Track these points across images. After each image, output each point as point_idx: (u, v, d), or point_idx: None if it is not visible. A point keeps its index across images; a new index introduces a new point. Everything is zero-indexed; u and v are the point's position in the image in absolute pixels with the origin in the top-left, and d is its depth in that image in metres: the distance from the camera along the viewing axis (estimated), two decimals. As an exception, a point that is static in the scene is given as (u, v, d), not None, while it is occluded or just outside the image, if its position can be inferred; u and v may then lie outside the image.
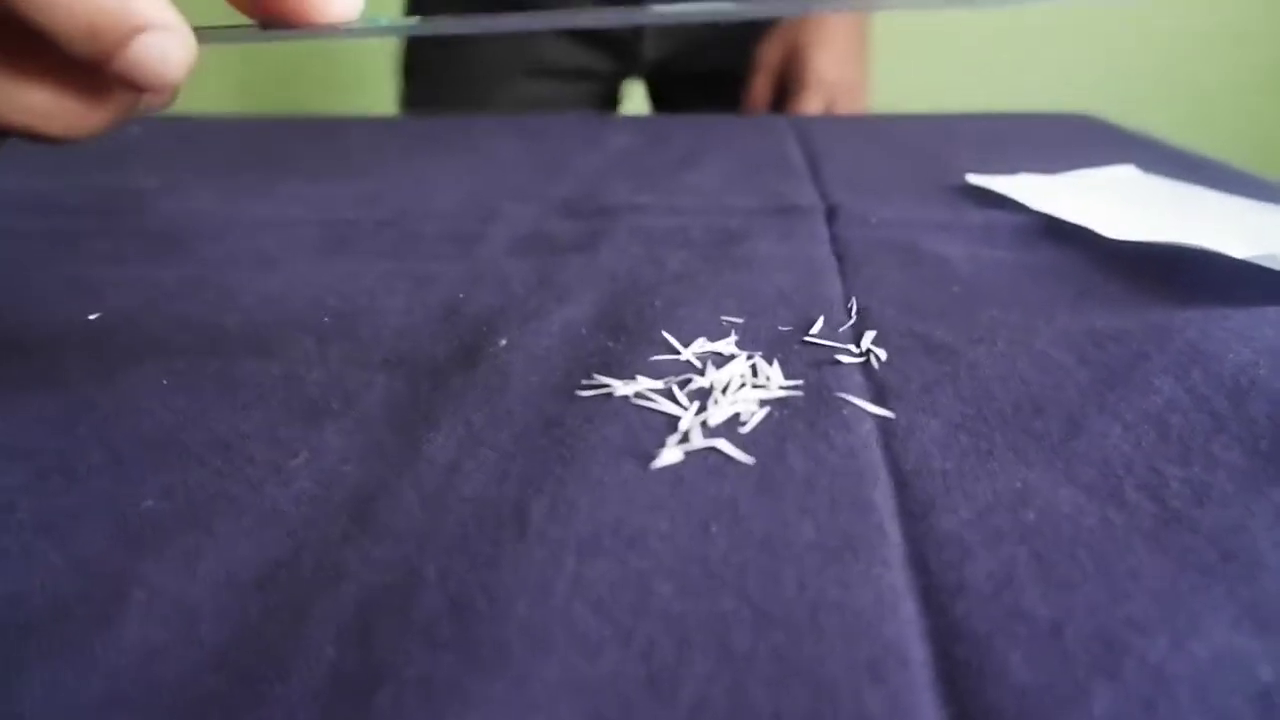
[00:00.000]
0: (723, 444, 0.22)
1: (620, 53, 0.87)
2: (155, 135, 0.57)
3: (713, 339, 0.28)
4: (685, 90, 0.89)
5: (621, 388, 0.25)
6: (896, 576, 0.18)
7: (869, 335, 0.28)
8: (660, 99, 0.93)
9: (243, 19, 0.22)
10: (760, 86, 0.83)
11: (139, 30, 0.18)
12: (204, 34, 0.20)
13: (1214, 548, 0.18)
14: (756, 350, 0.27)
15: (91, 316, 0.31)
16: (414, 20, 0.23)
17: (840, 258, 0.37)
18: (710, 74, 0.88)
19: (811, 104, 0.80)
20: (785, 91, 0.83)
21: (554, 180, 0.51)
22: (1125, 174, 0.50)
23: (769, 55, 0.83)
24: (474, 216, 0.43)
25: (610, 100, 0.93)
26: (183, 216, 0.42)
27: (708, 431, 0.23)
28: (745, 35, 0.85)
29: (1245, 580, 0.17)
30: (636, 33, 0.84)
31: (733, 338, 0.28)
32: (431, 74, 0.88)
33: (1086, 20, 1.62)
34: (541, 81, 0.86)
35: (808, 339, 0.28)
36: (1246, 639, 0.16)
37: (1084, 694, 0.15)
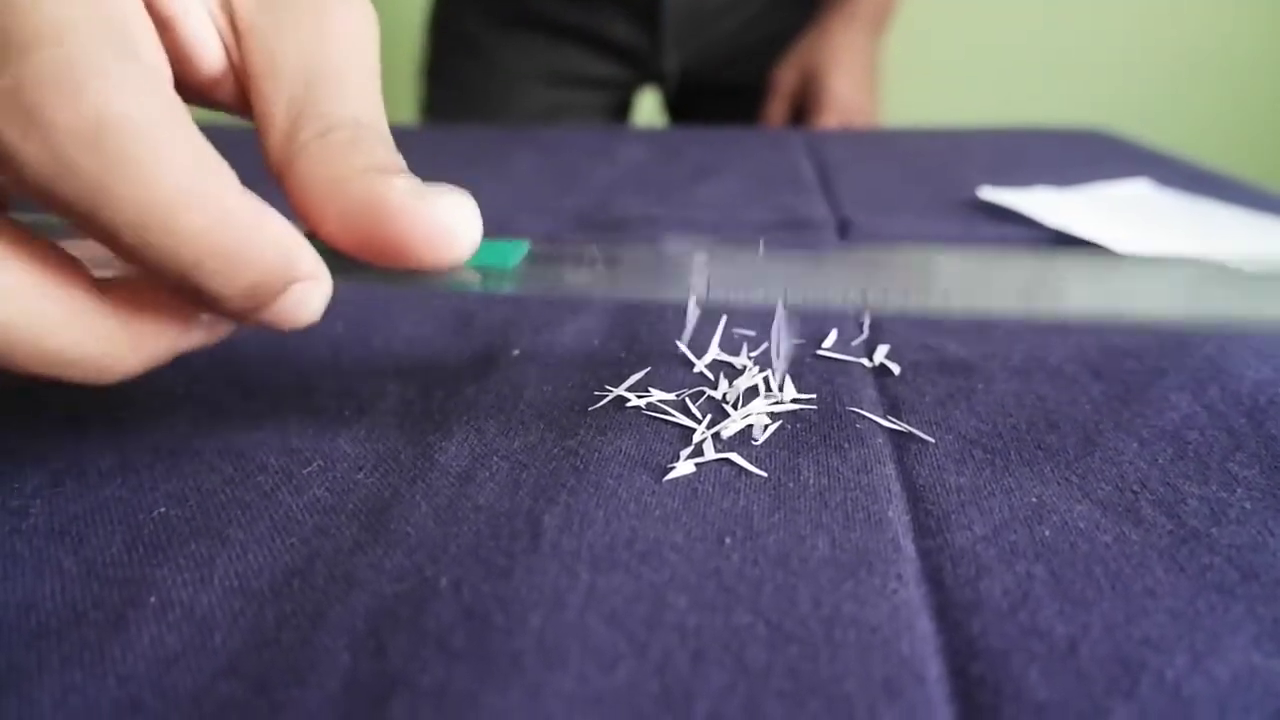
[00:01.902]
0: (736, 457, 0.22)
1: (638, 64, 0.87)
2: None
3: (726, 352, 0.28)
4: (701, 101, 0.90)
5: (634, 399, 0.25)
6: (912, 592, 0.18)
7: (882, 349, 0.28)
8: (676, 109, 0.93)
9: None
10: (776, 109, 0.84)
11: (295, 282, 0.18)
12: (338, 277, 0.19)
13: (1233, 566, 0.18)
14: (769, 363, 0.27)
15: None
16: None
17: (853, 271, 0.37)
18: (726, 86, 0.88)
19: (827, 126, 0.80)
20: (800, 114, 0.84)
21: (567, 192, 0.51)
22: (1139, 189, 0.50)
23: (785, 78, 0.83)
24: (489, 228, 0.43)
25: (624, 108, 0.94)
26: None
27: (721, 444, 0.23)
28: (761, 48, 0.86)
29: (1265, 600, 0.17)
30: (654, 44, 0.85)
31: (745, 351, 0.28)
32: (451, 80, 0.89)
33: (1100, 35, 1.62)
34: (559, 90, 0.87)
35: (821, 352, 0.28)
36: (1266, 659, 0.16)
37: (1101, 712, 0.15)
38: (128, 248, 0.16)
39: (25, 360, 0.17)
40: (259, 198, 0.17)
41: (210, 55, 0.20)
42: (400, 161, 0.20)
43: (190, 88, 0.21)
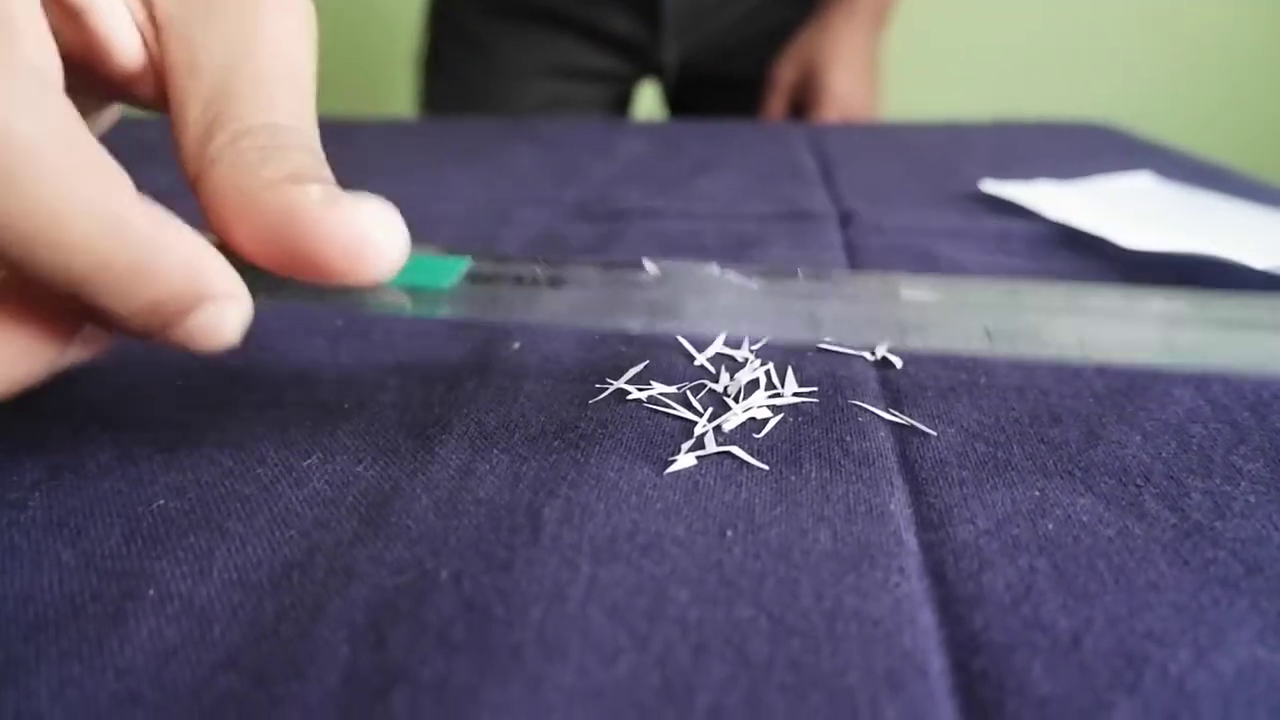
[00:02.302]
0: (738, 450, 0.22)
1: (638, 57, 0.87)
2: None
3: (726, 344, 0.28)
4: (701, 95, 0.90)
5: (635, 392, 0.25)
6: (914, 586, 0.17)
7: (884, 342, 0.28)
8: (676, 102, 0.93)
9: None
10: (776, 105, 0.84)
11: (205, 301, 0.17)
12: (259, 296, 0.18)
13: (1237, 560, 0.18)
14: (771, 356, 0.27)
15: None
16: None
17: (854, 264, 0.37)
18: (726, 79, 0.88)
19: (827, 122, 0.80)
20: (800, 109, 0.84)
21: (567, 184, 0.51)
22: (1142, 182, 0.50)
23: (784, 74, 0.83)
24: (488, 220, 0.43)
25: (624, 101, 0.93)
26: (199, 216, 0.42)
27: (722, 437, 0.23)
28: (761, 41, 0.85)
29: (1269, 594, 0.17)
30: (654, 37, 0.85)
31: (746, 343, 0.28)
32: (450, 72, 0.88)
33: (1102, 28, 1.62)
34: (558, 82, 0.87)
35: (822, 345, 0.28)
36: (1271, 653, 0.16)
37: (1104, 706, 0.15)
38: (12, 261, 0.15)
39: None
40: (162, 209, 0.16)
41: (127, 49, 0.19)
42: (323, 170, 0.18)
43: (106, 83, 0.20)
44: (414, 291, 0.19)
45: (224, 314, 0.17)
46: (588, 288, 0.20)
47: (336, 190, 0.17)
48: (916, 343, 0.20)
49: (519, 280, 0.20)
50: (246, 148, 0.18)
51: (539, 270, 0.20)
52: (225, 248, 0.18)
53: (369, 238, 0.17)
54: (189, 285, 0.16)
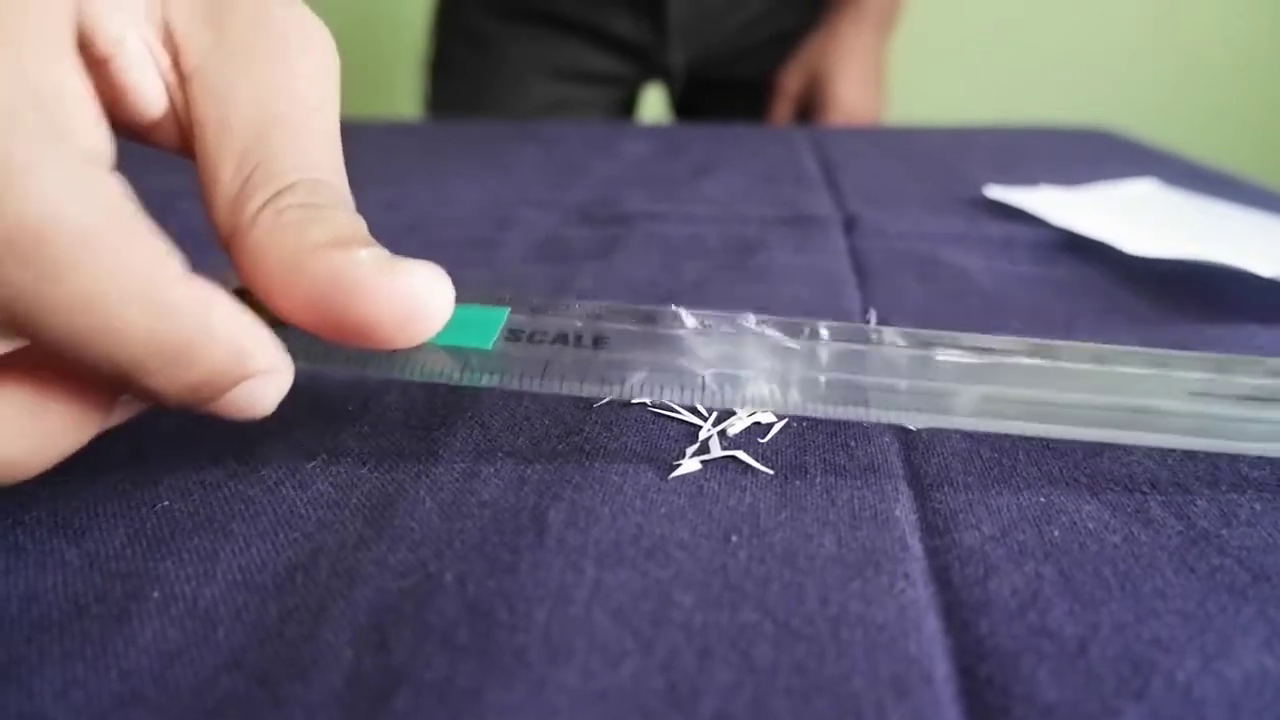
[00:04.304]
0: (742, 454, 0.22)
1: (644, 59, 0.87)
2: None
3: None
4: (706, 97, 0.90)
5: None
6: (919, 592, 0.17)
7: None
8: (681, 105, 0.93)
9: None
10: (781, 112, 0.84)
11: (246, 379, 0.17)
12: (298, 362, 0.18)
13: (1243, 568, 0.18)
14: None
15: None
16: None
17: (858, 268, 0.37)
18: (731, 83, 0.88)
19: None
20: (806, 115, 0.84)
21: (571, 187, 0.51)
22: (1146, 189, 0.50)
23: (790, 82, 0.83)
24: (491, 223, 0.43)
25: (629, 103, 0.94)
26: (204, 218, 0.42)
27: (727, 442, 0.23)
28: (767, 45, 0.85)
29: (1276, 602, 0.17)
30: (660, 40, 0.85)
31: (751, 347, 0.28)
32: (456, 74, 0.89)
33: (1106, 33, 1.62)
34: (563, 84, 0.87)
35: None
36: (1278, 661, 0.16)
37: (1111, 713, 0.15)
38: (61, 351, 0.15)
39: None
40: (209, 284, 0.16)
41: (149, 97, 0.19)
42: (361, 226, 0.18)
43: (126, 129, 0.19)
44: (455, 352, 0.19)
45: (264, 388, 0.17)
46: (630, 349, 0.20)
47: (384, 253, 0.17)
48: (953, 423, 0.20)
49: (563, 340, 0.20)
50: (287, 208, 0.17)
51: (579, 326, 0.20)
52: (260, 304, 0.17)
53: (420, 303, 0.17)
54: (233, 365, 0.16)
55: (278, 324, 0.18)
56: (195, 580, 0.18)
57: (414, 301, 0.17)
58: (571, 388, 0.20)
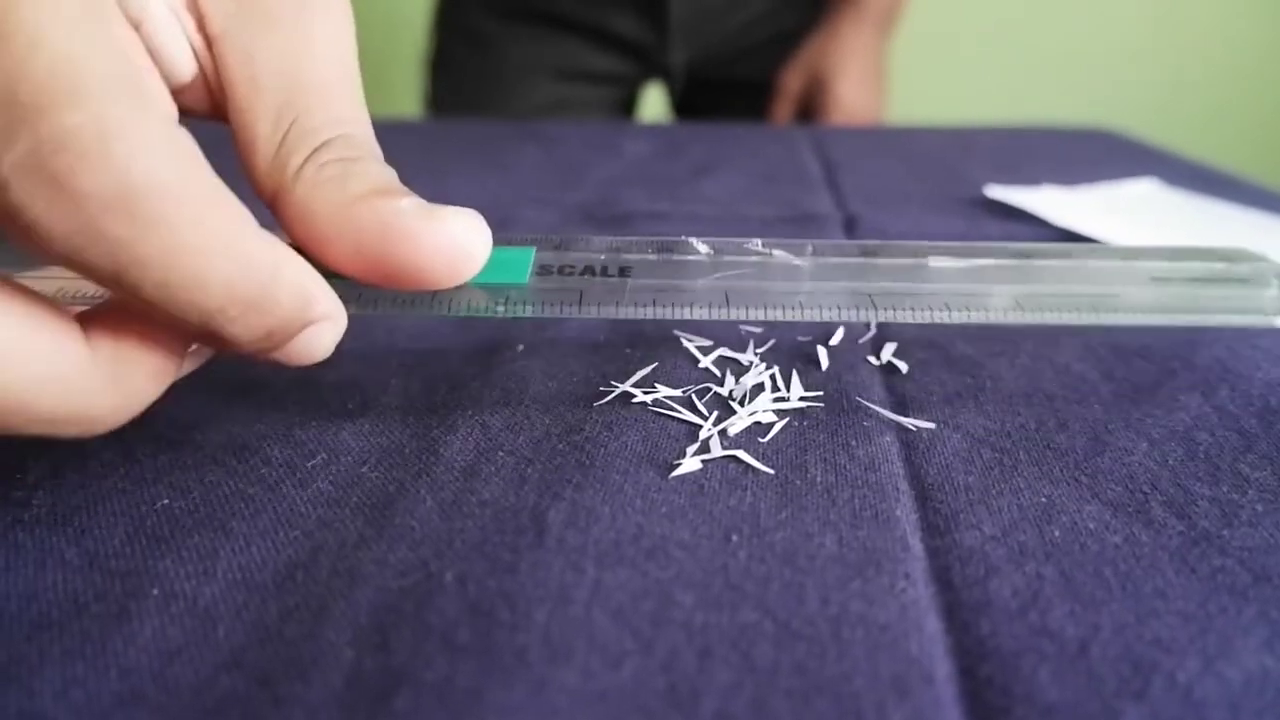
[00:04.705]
0: (743, 454, 0.22)
1: (644, 59, 0.87)
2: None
3: (732, 348, 0.28)
4: (707, 97, 0.90)
5: (640, 395, 0.25)
6: (920, 592, 0.17)
7: (889, 347, 0.28)
8: (681, 105, 0.93)
9: None
10: (782, 113, 0.84)
11: (311, 324, 0.18)
12: (350, 308, 0.19)
13: (1244, 568, 0.18)
14: (776, 360, 0.27)
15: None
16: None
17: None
18: (732, 82, 0.88)
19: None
20: (807, 115, 0.84)
21: (572, 187, 0.51)
22: (1147, 188, 0.50)
23: (790, 82, 0.83)
24: (492, 222, 0.43)
25: (629, 103, 0.93)
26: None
27: (728, 441, 0.23)
28: (768, 45, 0.85)
29: (1277, 602, 0.17)
30: (661, 39, 0.85)
31: (752, 347, 0.28)
32: (456, 73, 0.88)
33: (1107, 33, 1.62)
34: (564, 84, 0.87)
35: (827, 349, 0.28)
36: (1279, 662, 0.16)
37: (1112, 714, 0.15)
38: (149, 303, 0.15)
39: (13, 426, 0.16)
40: (275, 237, 0.17)
41: (179, 61, 0.19)
42: (395, 177, 0.19)
43: None
44: (493, 289, 0.21)
45: (323, 333, 0.18)
46: (653, 275, 0.22)
47: (422, 201, 0.18)
48: (954, 318, 0.22)
49: (590, 271, 0.22)
50: (327, 163, 0.18)
51: (603, 258, 0.22)
52: (309, 259, 0.18)
53: (463, 246, 0.18)
54: (300, 311, 0.17)
55: (325, 275, 0.18)
56: (195, 579, 0.18)
57: (456, 244, 0.18)
58: (607, 312, 0.21)
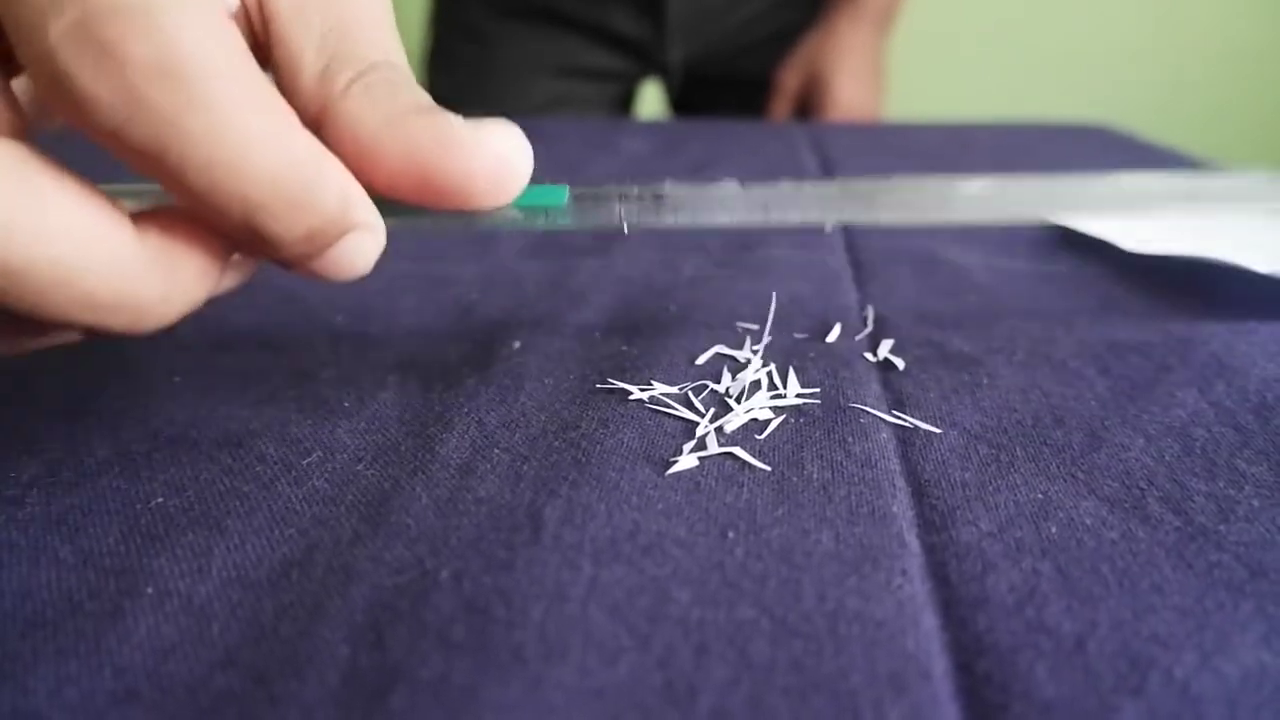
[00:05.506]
0: (739, 451, 0.22)
1: (642, 56, 0.87)
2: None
3: (729, 345, 0.28)
4: (704, 94, 0.89)
5: (637, 392, 0.25)
6: (917, 588, 0.17)
7: (886, 344, 0.28)
8: (680, 102, 0.93)
9: None
10: (779, 110, 0.84)
11: (351, 230, 0.18)
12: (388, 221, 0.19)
13: (1241, 564, 0.18)
14: (772, 357, 0.27)
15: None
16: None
17: (856, 265, 0.37)
18: (730, 79, 0.88)
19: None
20: (805, 113, 0.84)
21: (569, 184, 0.51)
22: (1143, 186, 0.50)
23: (788, 80, 0.83)
24: (488, 219, 0.43)
25: (627, 100, 0.93)
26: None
27: (724, 438, 0.23)
28: (766, 42, 0.85)
29: (1274, 598, 0.17)
30: (659, 37, 0.85)
31: (749, 344, 0.28)
32: (454, 69, 0.88)
33: (1106, 30, 1.62)
34: (562, 80, 0.86)
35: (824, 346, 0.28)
36: (1276, 657, 0.16)
37: (1109, 710, 0.15)
38: (192, 189, 0.15)
39: (62, 306, 0.15)
40: (317, 139, 0.17)
41: None
42: (432, 100, 0.19)
43: None
44: (532, 210, 0.21)
45: (364, 243, 0.18)
46: (682, 200, 0.23)
47: (467, 120, 0.18)
48: (974, 215, 0.25)
49: (624, 198, 0.23)
50: (376, 82, 0.18)
51: (636, 191, 0.23)
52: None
53: (510, 160, 0.18)
54: (342, 214, 0.17)
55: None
56: (190, 577, 0.18)
57: (504, 158, 0.18)
58: (647, 221, 0.23)
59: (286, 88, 0.19)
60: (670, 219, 0.23)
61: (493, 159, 0.18)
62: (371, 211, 0.18)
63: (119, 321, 0.16)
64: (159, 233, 0.17)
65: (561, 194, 0.22)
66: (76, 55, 0.14)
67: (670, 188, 0.23)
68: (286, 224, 0.16)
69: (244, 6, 0.20)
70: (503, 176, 0.18)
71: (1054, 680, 0.15)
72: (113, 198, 0.16)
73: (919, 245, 0.39)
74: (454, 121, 0.18)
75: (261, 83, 0.16)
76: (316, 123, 0.18)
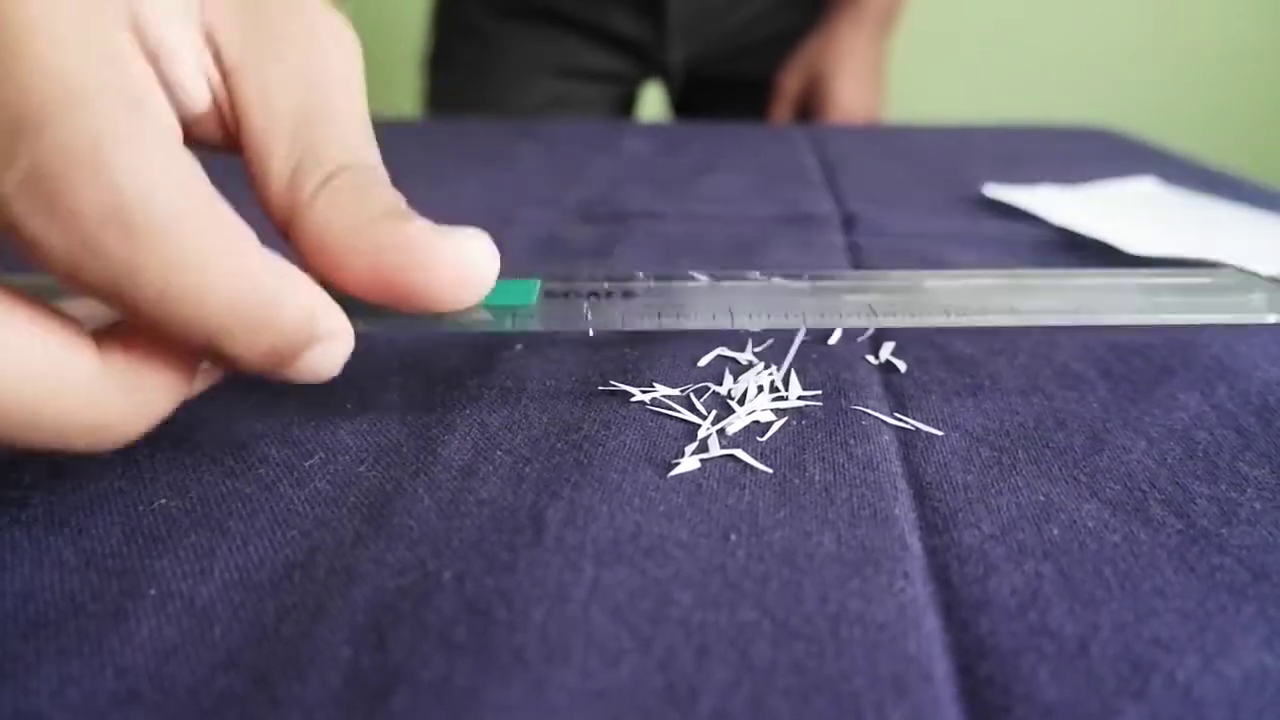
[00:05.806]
0: (741, 453, 0.22)
1: (643, 57, 0.87)
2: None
3: (730, 348, 0.28)
4: (706, 96, 0.90)
5: (639, 394, 0.25)
6: (919, 590, 0.17)
7: (888, 346, 0.28)
8: (680, 104, 0.93)
9: None
10: (780, 114, 0.84)
11: (316, 343, 0.18)
12: (357, 324, 0.19)
13: (1243, 567, 0.18)
14: (774, 359, 0.27)
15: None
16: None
17: (857, 267, 0.37)
18: (731, 81, 0.88)
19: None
20: (806, 115, 0.84)
21: (571, 186, 0.51)
22: (1145, 187, 0.50)
23: (789, 83, 0.83)
24: (491, 221, 0.43)
25: (628, 101, 0.93)
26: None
27: (726, 440, 0.23)
28: (767, 44, 0.85)
29: (1276, 600, 0.17)
30: (659, 38, 0.85)
31: (750, 346, 0.28)
32: (454, 71, 0.88)
33: (1106, 32, 1.62)
34: (562, 82, 0.87)
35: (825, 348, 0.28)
36: (1278, 660, 0.16)
37: (1111, 713, 0.15)
38: (149, 320, 0.15)
39: (24, 433, 0.15)
40: (278, 255, 0.17)
41: (194, 92, 0.19)
42: (403, 200, 0.19)
43: None
44: (500, 310, 0.22)
45: (330, 351, 0.18)
46: (654, 295, 0.23)
47: (433, 224, 0.19)
48: (956, 321, 0.23)
49: (595, 295, 0.23)
50: (342, 186, 0.18)
51: (607, 286, 0.23)
52: (321, 281, 0.18)
53: (474, 266, 0.19)
54: (305, 329, 0.17)
55: (333, 295, 0.19)
56: (192, 578, 0.18)
57: (468, 264, 0.18)
58: (612, 323, 0.22)
59: (257, 184, 0.19)
60: (637, 322, 0.22)
61: (455, 265, 0.18)
62: (338, 319, 0.18)
63: (81, 444, 0.16)
64: (122, 352, 0.17)
65: (532, 289, 0.22)
66: (29, 205, 0.14)
67: (640, 283, 0.24)
68: (245, 344, 0.16)
69: (214, 102, 0.20)
70: (467, 281, 0.18)
71: (1056, 683, 0.15)
72: (73, 320, 0.16)
73: (921, 247, 0.39)
74: (419, 226, 0.18)
75: (213, 208, 0.16)
76: (286, 225, 0.19)
